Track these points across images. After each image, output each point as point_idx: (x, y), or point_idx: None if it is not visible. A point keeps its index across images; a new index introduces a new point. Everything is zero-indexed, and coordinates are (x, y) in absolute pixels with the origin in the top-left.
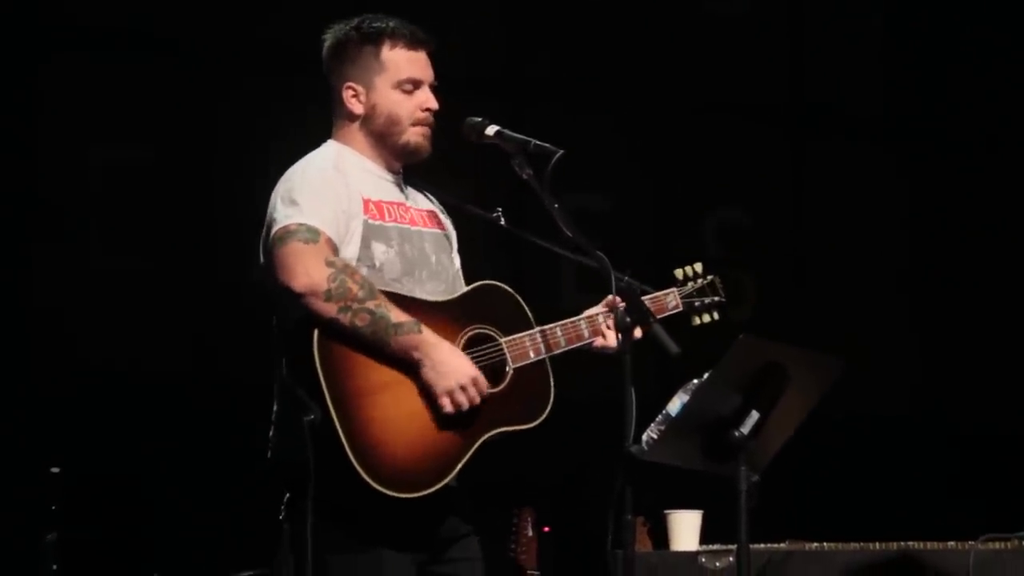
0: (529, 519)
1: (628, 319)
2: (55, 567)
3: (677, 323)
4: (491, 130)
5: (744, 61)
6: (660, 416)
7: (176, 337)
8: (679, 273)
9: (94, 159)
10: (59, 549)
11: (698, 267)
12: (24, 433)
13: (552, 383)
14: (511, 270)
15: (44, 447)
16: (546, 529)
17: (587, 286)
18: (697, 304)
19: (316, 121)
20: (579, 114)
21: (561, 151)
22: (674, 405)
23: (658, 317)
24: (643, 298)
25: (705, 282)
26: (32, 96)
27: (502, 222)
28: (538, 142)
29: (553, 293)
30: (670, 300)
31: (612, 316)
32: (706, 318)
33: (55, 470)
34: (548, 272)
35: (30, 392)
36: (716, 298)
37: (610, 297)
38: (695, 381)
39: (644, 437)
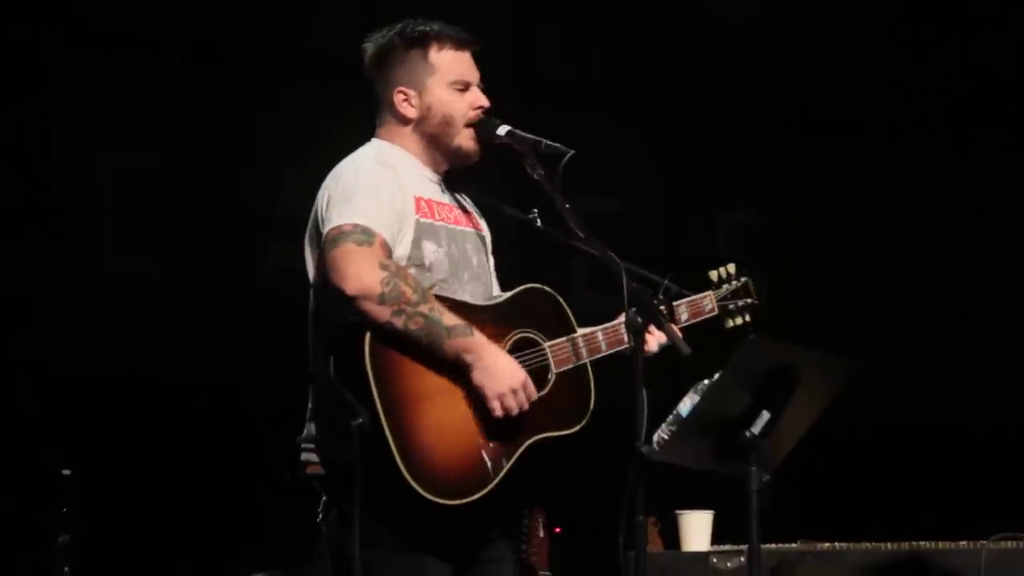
0: (540, 520)
1: (639, 320)
2: (67, 569)
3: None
4: (502, 130)
5: (754, 63)
6: (671, 416)
7: (189, 339)
8: (713, 275)
9: (106, 162)
10: (72, 551)
11: (731, 268)
12: (37, 435)
13: (593, 388)
14: (523, 270)
15: (57, 449)
16: (557, 530)
17: (597, 285)
18: (731, 307)
19: (330, 125)
20: (590, 115)
21: (572, 151)
22: (685, 406)
23: (695, 321)
24: (681, 302)
25: (739, 284)
26: (45, 99)
27: (538, 223)
28: (549, 142)
29: (563, 293)
30: (706, 303)
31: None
32: (739, 320)
33: (67, 472)
34: (559, 272)
35: (43, 394)
36: (749, 300)
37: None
38: (706, 381)
39: (655, 437)
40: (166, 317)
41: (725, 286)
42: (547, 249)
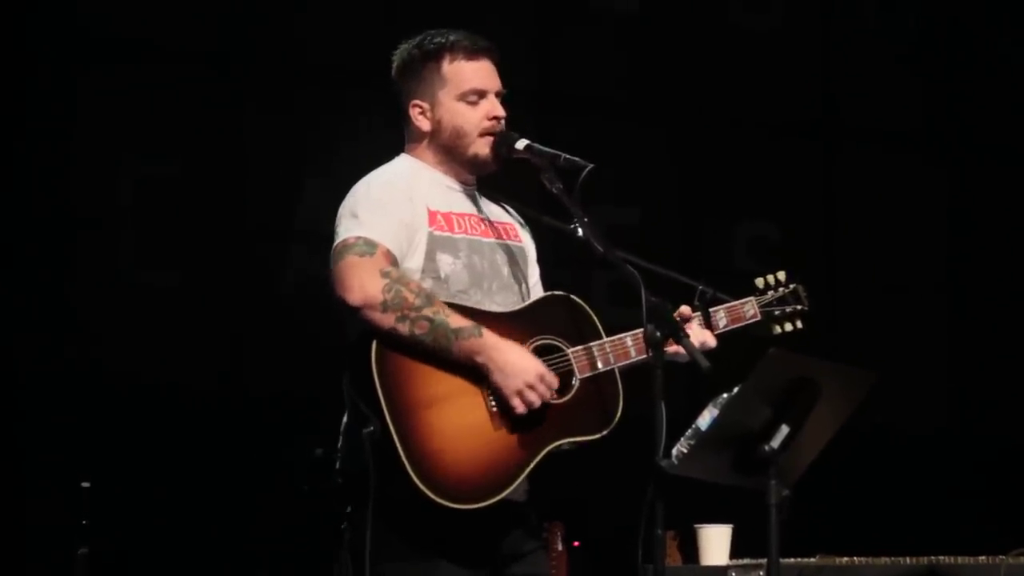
0: (559, 533)
1: (659, 333)
2: None
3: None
4: (521, 144)
5: (775, 74)
6: (690, 430)
7: (209, 350)
8: (760, 282)
9: (126, 173)
10: (91, 563)
11: (781, 275)
12: (55, 447)
13: (621, 394)
14: (544, 282)
15: (75, 461)
16: (576, 544)
17: (618, 298)
18: (777, 313)
19: (348, 134)
20: (611, 126)
21: (591, 165)
22: (704, 419)
23: (735, 327)
24: (719, 308)
25: (787, 291)
26: (65, 110)
27: (580, 234)
28: (568, 156)
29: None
30: (747, 309)
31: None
32: (788, 327)
33: (86, 484)
34: (579, 284)
35: (61, 405)
36: (799, 307)
37: (684, 308)
38: (725, 395)
39: (674, 451)
40: (186, 328)
41: (771, 292)
42: (570, 262)
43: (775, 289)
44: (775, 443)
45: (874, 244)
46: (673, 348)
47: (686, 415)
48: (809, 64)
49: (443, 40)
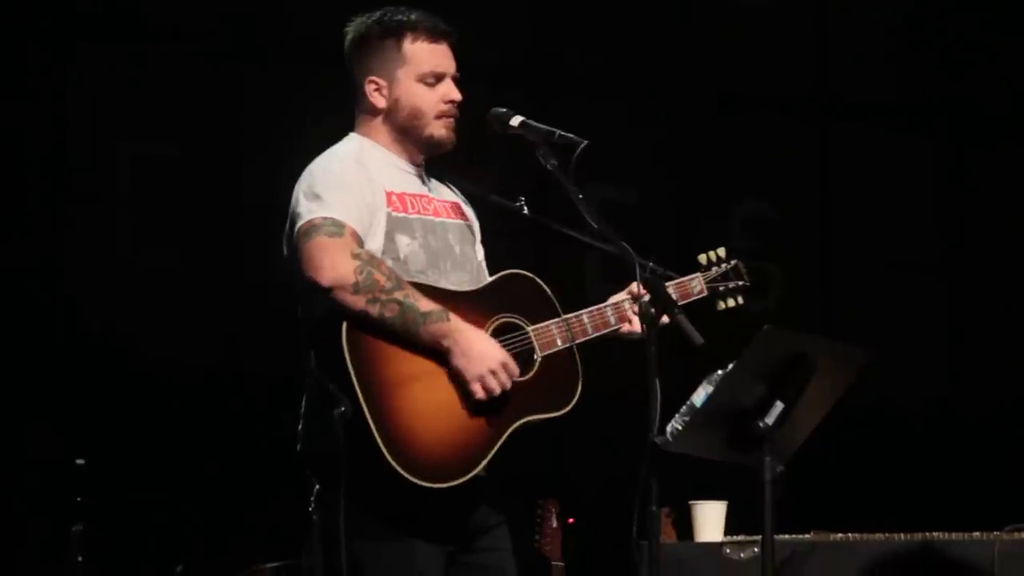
0: (553, 511)
1: (652, 309)
2: (81, 558)
3: (700, 313)
4: (516, 120)
5: (769, 52)
6: (685, 407)
7: (202, 330)
8: (703, 258)
9: (123, 152)
10: (85, 540)
11: (721, 252)
12: (50, 425)
13: (580, 371)
14: (535, 260)
15: (70, 439)
16: (571, 520)
17: (612, 276)
18: (721, 289)
19: (342, 113)
20: (604, 105)
21: (586, 142)
22: (699, 396)
23: (683, 303)
24: (668, 284)
25: (729, 267)
26: (62, 89)
27: (525, 211)
28: (563, 132)
29: (577, 283)
30: (695, 285)
31: (637, 303)
32: (730, 302)
33: (80, 462)
34: (572, 262)
35: (57, 383)
36: (740, 282)
37: (634, 284)
38: (719, 372)
39: (669, 428)
40: (183, 307)
41: (715, 268)
42: (562, 239)
43: (718, 265)
44: (770, 419)
45: (870, 221)
46: (627, 328)
47: (680, 392)
48: (803, 40)
49: (404, 18)
